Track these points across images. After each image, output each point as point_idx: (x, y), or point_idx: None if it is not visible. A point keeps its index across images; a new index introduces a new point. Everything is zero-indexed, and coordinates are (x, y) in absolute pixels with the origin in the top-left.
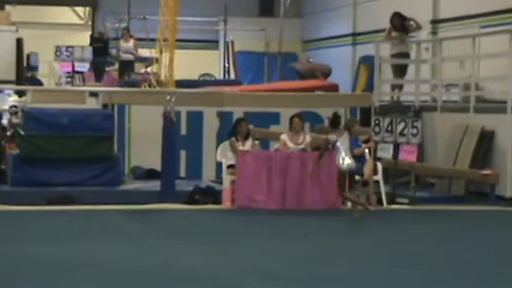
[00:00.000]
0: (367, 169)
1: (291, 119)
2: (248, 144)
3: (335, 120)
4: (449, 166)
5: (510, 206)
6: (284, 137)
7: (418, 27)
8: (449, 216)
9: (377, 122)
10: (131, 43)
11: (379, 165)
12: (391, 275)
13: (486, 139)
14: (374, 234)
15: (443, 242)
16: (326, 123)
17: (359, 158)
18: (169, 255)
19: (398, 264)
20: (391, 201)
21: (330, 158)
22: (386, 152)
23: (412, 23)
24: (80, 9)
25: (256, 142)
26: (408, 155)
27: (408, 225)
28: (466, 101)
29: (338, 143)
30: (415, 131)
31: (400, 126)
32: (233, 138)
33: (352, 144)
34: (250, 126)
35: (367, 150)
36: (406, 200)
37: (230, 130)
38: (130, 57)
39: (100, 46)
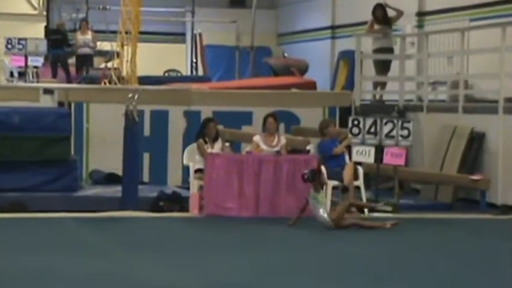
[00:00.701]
0: (346, 174)
1: (265, 119)
2: (217, 147)
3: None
4: (436, 171)
5: (502, 214)
6: (257, 138)
7: (400, 13)
8: (436, 225)
9: (356, 122)
10: (89, 35)
11: (360, 170)
12: None
13: (476, 141)
14: (352, 245)
15: (427, 254)
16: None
17: (339, 161)
18: (130, 268)
19: (377, 278)
20: (372, 208)
21: (306, 163)
22: (366, 155)
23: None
24: None
25: (227, 144)
26: (394, 159)
27: (390, 235)
28: (454, 100)
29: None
30: (405, 132)
31: (387, 128)
32: (201, 140)
33: (329, 147)
34: (220, 127)
35: (347, 156)
36: (389, 208)
37: (198, 131)
38: (88, 51)
39: (58, 38)
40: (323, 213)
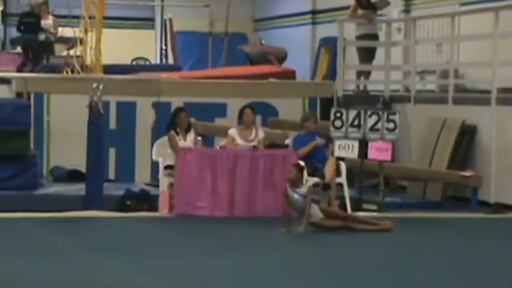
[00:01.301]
0: (328, 170)
1: (241, 111)
2: (190, 138)
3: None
4: (424, 166)
5: (495, 213)
6: (232, 132)
7: (386, 2)
8: (424, 225)
9: (338, 115)
10: (50, 20)
11: (343, 166)
12: None
13: (467, 135)
14: (334, 247)
15: (414, 256)
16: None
17: (320, 157)
18: (95, 272)
19: (361, 284)
20: (356, 207)
21: (285, 159)
22: (350, 150)
23: None
24: None
25: (199, 138)
26: (380, 154)
27: (375, 236)
28: (444, 91)
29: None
30: (391, 125)
31: (372, 120)
32: (172, 132)
33: (306, 142)
34: (192, 120)
35: (331, 154)
36: (374, 207)
37: (168, 122)
38: (49, 37)
39: (31, 21)
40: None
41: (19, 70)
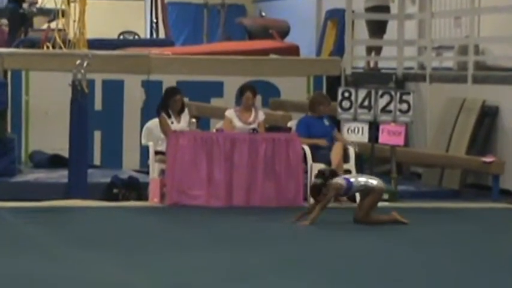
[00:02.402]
0: (334, 155)
1: (241, 91)
2: (184, 120)
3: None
4: (441, 152)
5: None
6: (230, 113)
7: None
8: (441, 216)
9: (347, 95)
10: None
11: (351, 150)
12: None
13: (488, 117)
14: (341, 241)
15: (428, 252)
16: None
17: (326, 141)
18: (79, 267)
19: (368, 280)
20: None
21: (288, 144)
22: (359, 133)
23: None
24: None
25: (193, 120)
26: (392, 138)
27: (386, 229)
28: (463, 68)
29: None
30: (405, 106)
31: (383, 101)
32: (163, 114)
33: (315, 125)
34: (185, 100)
35: (337, 132)
36: (385, 196)
37: (159, 103)
38: (31, 9)
39: None
40: (372, 181)
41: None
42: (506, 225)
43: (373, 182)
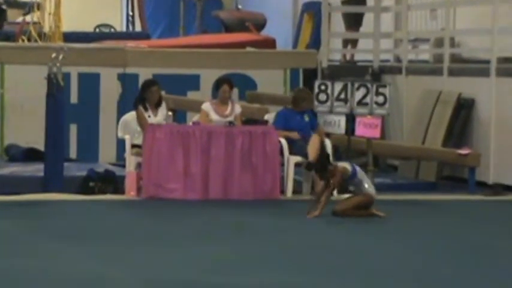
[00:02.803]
0: (311, 147)
1: (218, 84)
2: (161, 113)
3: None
4: (417, 144)
5: (494, 195)
6: (206, 106)
7: None
8: (417, 208)
9: (323, 87)
10: None
11: (328, 143)
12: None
13: (464, 109)
14: (317, 234)
15: (404, 244)
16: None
17: (303, 133)
18: (54, 261)
19: (343, 274)
20: (342, 189)
21: (265, 136)
22: (336, 125)
23: None
24: None
25: (169, 113)
26: (368, 130)
27: (362, 221)
28: (439, 61)
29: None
30: (381, 99)
31: (359, 94)
32: (140, 107)
33: (294, 119)
34: (162, 93)
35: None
36: None
37: (137, 96)
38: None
39: None
40: (368, 186)
41: None
42: (482, 217)
43: (366, 185)
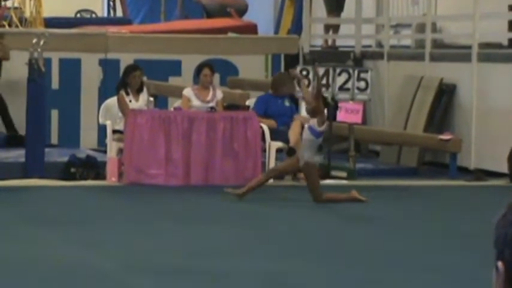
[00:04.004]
0: (292, 133)
1: (199, 69)
2: (143, 99)
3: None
4: (399, 130)
5: (475, 181)
6: (188, 92)
7: None
8: (398, 193)
9: (305, 73)
10: None
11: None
12: (303, 271)
13: (445, 95)
14: (297, 220)
15: (385, 230)
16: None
17: (285, 119)
18: (35, 246)
19: (320, 259)
20: (324, 174)
21: (246, 122)
22: None
23: None
24: None
25: (151, 99)
26: (350, 116)
27: (344, 207)
28: (420, 46)
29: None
30: (362, 84)
31: (341, 79)
32: (122, 92)
33: (274, 104)
34: (144, 79)
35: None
36: (343, 174)
37: (119, 81)
38: None
39: None
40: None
41: None
42: (463, 203)
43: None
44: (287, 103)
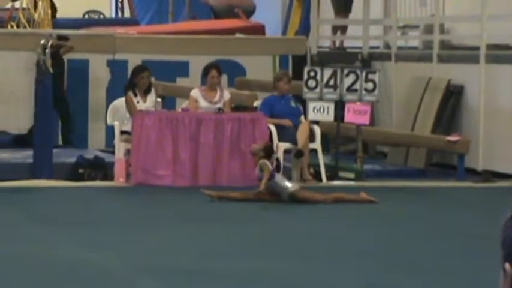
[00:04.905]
0: (300, 134)
1: (206, 70)
2: (151, 100)
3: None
4: (406, 131)
5: (483, 182)
6: (195, 93)
7: None
8: (406, 195)
9: (312, 74)
10: None
11: (317, 130)
12: (311, 272)
13: (453, 96)
14: (304, 221)
15: (393, 231)
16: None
17: (292, 120)
18: (44, 247)
19: (331, 260)
20: (332, 176)
21: (254, 123)
22: (324, 112)
23: None
24: None
25: (158, 100)
26: (357, 117)
27: (352, 208)
28: (428, 47)
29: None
30: (370, 85)
31: (349, 80)
32: (130, 93)
33: (276, 104)
34: (152, 80)
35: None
36: (351, 175)
37: (127, 82)
38: None
39: None
40: (287, 183)
41: None
42: (471, 204)
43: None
44: (293, 104)
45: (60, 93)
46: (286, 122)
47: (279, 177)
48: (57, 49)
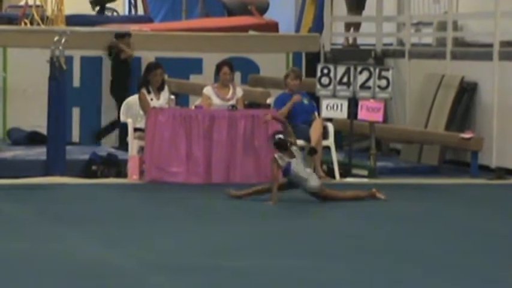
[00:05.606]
0: (314, 132)
1: (219, 67)
2: (164, 97)
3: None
4: (420, 128)
5: (497, 179)
6: (208, 90)
7: None
8: (419, 192)
9: (326, 71)
10: None
11: (330, 127)
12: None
13: (467, 93)
14: (318, 219)
15: (405, 228)
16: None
17: (306, 117)
18: (58, 245)
19: (343, 258)
20: (345, 173)
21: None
22: (338, 110)
23: None
24: None
25: (172, 97)
26: (371, 114)
27: (365, 205)
28: (442, 45)
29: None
30: (383, 82)
31: (362, 77)
32: (143, 91)
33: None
34: (165, 77)
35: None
36: (364, 172)
37: (140, 79)
38: None
39: None
40: (309, 174)
41: None
42: (485, 201)
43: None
44: (306, 101)
45: (123, 97)
46: (297, 98)
47: (295, 166)
48: (117, 53)
